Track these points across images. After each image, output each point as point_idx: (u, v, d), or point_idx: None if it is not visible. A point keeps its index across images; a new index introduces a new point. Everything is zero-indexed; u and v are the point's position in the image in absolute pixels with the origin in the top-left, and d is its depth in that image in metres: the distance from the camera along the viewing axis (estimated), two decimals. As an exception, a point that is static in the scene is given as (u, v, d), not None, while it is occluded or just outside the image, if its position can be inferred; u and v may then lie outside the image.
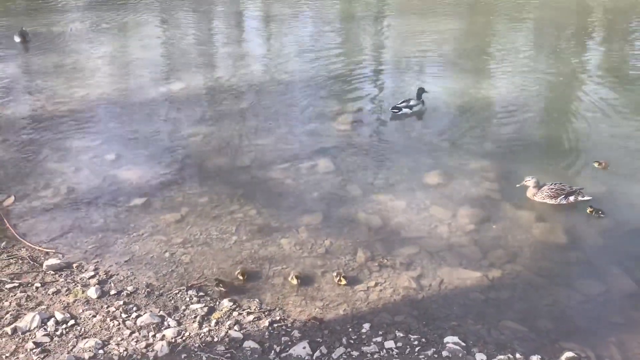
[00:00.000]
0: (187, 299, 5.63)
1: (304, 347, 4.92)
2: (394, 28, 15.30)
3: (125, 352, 4.90)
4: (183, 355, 4.86)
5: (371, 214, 7.06)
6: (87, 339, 5.03)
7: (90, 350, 4.89)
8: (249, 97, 10.73)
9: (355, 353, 4.88)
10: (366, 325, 5.25)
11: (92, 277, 5.95)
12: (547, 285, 5.82)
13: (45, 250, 6.43)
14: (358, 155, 8.50)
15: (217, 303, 5.58)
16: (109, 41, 14.17)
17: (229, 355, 4.86)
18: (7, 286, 5.77)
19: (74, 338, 5.07)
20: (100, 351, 4.90)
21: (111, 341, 5.03)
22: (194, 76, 11.76)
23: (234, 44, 14.47)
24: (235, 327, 5.20)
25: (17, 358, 4.83)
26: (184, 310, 5.47)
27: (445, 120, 9.65)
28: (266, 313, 5.43)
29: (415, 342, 5.01)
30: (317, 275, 5.99)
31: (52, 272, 6.03)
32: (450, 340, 5.03)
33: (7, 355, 4.86)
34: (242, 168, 8.22)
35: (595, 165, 7.81)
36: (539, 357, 4.88)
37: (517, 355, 4.89)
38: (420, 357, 4.83)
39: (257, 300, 5.65)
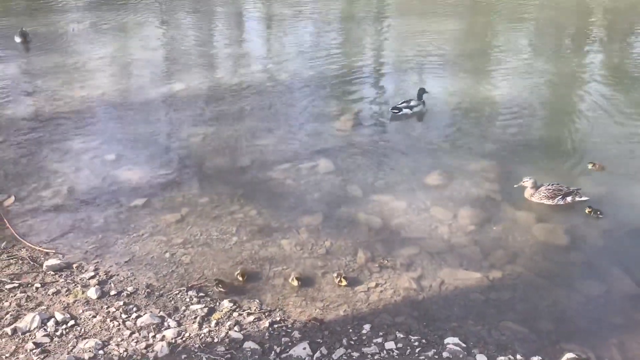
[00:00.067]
0: (187, 300, 5.63)
1: (304, 348, 4.91)
2: (395, 28, 15.30)
3: (125, 353, 4.89)
4: (183, 356, 4.85)
5: (372, 214, 7.05)
6: (87, 340, 5.02)
7: (90, 351, 4.88)
8: (249, 97, 10.73)
9: (355, 354, 4.88)
10: (366, 326, 5.24)
11: (92, 277, 5.95)
12: (547, 286, 5.81)
13: (45, 250, 6.43)
14: (358, 155, 8.49)
15: (217, 304, 5.58)
16: (110, 41, 14.17)
17: (229, 356, 4.85)
18: (7, 286, 5.77)
19: (74, 338, 5.06)
20: (100, 352, 4.89)
21: (111, 342, 5.02)
22: (195, 76, 11.76)
23: (235, 44, 14.46)
24: (236, 328, 5.20)
25: (17, 358, 4.82)
26: (184, 310, 5.47)
27: (445, 121, 9.65)
28: (266, 314, 5.43)
29: (416, 343, 5.01)
30: (317, 276, 5.98)
31: (52, 273, 6.02)
32: (451, 341, 5.02)
33: (7, 355, 4.85)
34: (243, 168, 8.22)
35: (590, 166, 7.81)
36: (540, 358, 4.87)
37: (518, 357, 4.88)
38: (421, 358, 4.82)
39: (258, 300, 5.64)
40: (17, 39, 13.70)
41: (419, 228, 6.77)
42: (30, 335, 5.10)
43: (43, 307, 5.48)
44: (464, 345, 4.98)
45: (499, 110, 10.06)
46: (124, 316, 5.35)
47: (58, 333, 5.12)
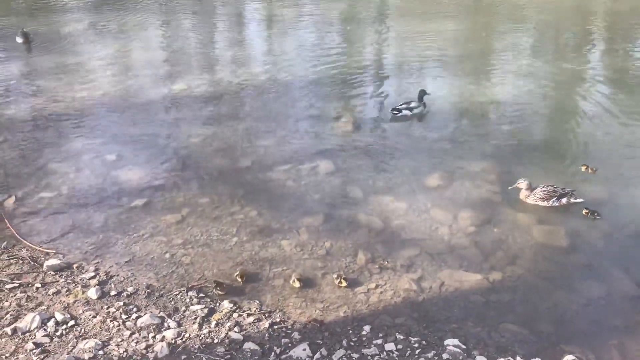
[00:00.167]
0: (187, 300, 5.63)
1: (304, 349, 4.91)
2: (395, 30, 15.31)
3: (125, 353, 4.89)
4: (183, 357, 4.85)
5: (372, 215, 7.05)
6: (87, 340, 5.02)
7: (90, 351, 4.88)
8: (249, 98, 10.74)
9: (355, 355, 4.88)
10: (366, 328, 5.24)
11: (93, 277, 5.95)
12: (547, 288, 5.81)
13: (45, 250, 6.43)
14: (359, 156, 8.50)
15: (217, 304, 5.58)
16: (111, 42, 14.18)
17: (228, 356, 4.85)
18: (8, 286, 5.77)
19: (74, 339, 5.07)
20: (100, 352, 4.89)
21: (111, 342, 5.02)
22: (195, 77, 11.78)
23: (235, 45, 14.47)
24: (235, 329, 5.20)
25: (17, 358, 4.83)
26: (184, 311, 5.47)
27: (446, 122, 9.65)
28: (266, 314, 5.43)
29: (416, 345, 5.00)
30: (317, 277, 5.98)
31: (53, 273, 6.03)
32: (451, 342, 5.02)
33: (7, 355, 4.85)
34: (243, 169, 8.22)
35: (583, 169, 7.81)
36: (540, 360, 4.87)
37: (518, 358, 4.88)
38: (421, 359, 4.82)
39: (258, 301, 5.64)
40: (19, 40, 13.72)
41: (419, 229, 6.77)
42: (30, 335, 5.10)
43: (43, 307, 5.48)
44: (463, 346, 4.98)
45: (500, 111, 10.06)
46: (124, 316, 5.35)
47: (58, 333, 5.12)
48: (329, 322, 5.34)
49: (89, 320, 5.31)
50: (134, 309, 5.47)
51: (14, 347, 4.95)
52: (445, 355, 4.85)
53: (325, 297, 5.71)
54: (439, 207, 7.17)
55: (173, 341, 5.04)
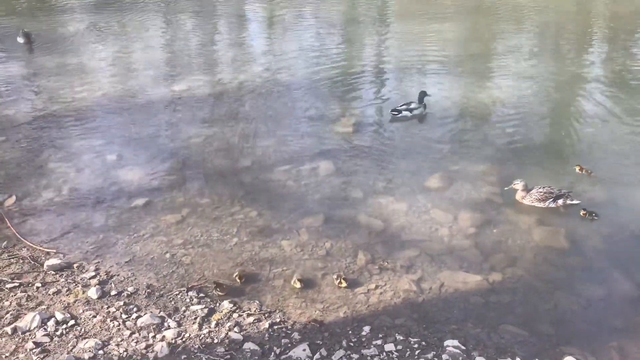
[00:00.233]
0: (188, 300, 5.63)
1: (304, 350, 4.92)
2: (396, 31, 15.32)
3: (125, 353, 4.90)
4: (183, 357, 4.86)
5: (372, 216, 7.06)
6: (87, 339, 5.03)
7: (90, 351, 4.89)
8: (250, 98, 10.74)
9: (355, 356, 4.88)
10: (366, 328, 5.24)
11: (93, 277, 5.96)
12: (547, 289, 5.82)
13: (46, 250, 6.44)
14: (359, 157, 8.51)
15: (217, 304, 5.59)
16: (112, 42, 14.20)
17: (228, 356, 4.86)
18: (8, 286, 5.78)
19: (74, 338, 5.07)
20: (100, 351, 4.90)
21: (111, 342, 5.03)
22: (196, 78, 11.78)
23: (237, 46, 14.48)
24: (235, 329, 5.20)
25: (17, 358, 4.83)
26: (184, 311, 5.47)
27: (447, 124, 9.65)
28: (266, 315, 5.43)
29: (415, 345, 5.01)
30: (317, 278, 5.99)
31: (53, 272, 6.03)
32: (450, 343, 5.03)
33: (7, 355, 4.86)
34: (244, 169, 8.23)
35: (577, 170, 7.82)
36: (539, 361, 4.87)
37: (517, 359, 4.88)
38: (420, 360, 4.83)
39: (258, 301, 5.65)
40: (20, 40, 13.73)
41: (419, 230, 6.78)
42: (30, 334, 5.11)
43: (43, 307, 5.49)
44: (463, 347, 4.98)
45: (500, 113, 10.07)
46: (124, 316, 5.36)
47: (58, 333, 5.13)
48: (328, 322, 5.34)
49: (89, 319, 5.31)
50: (134, 309, 5.48)
51: (14, 346, 4.96)
52: (444, 356, 4.85)
53: (325, 297, 5.71)
54: (439, 208, 7.18)
55: (173, 341, 5.04)
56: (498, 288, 5.83)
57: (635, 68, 12.20)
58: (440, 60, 12.63)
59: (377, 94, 11.16)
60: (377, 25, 16.09)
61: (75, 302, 5.56)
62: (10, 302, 5.54)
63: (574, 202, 7.07)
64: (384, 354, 4.90)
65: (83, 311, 5.43)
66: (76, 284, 5.84)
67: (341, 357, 4.86)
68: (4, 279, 5.89)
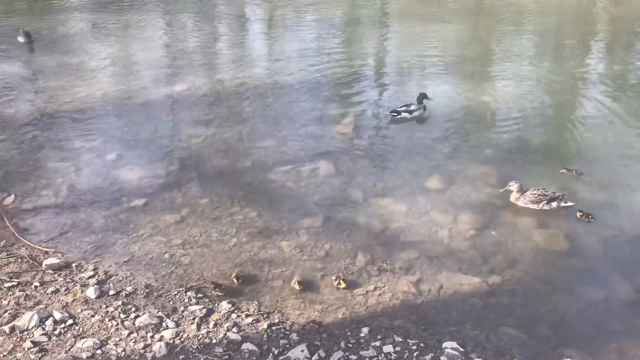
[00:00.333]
0: (186, 300, 5.63)
1: (302, 350, 4.91)
2: (397, 33, 15.32)
3: (123, 353, 4.89)
4: (181, 357, 4.85)
5: (371, 217, 7.05)
6: (85, 339, 5.02)
7: (88, 350, 4.88)
8: (251, 99, 10.74)
9: (353, 357, 4.87)
10: (365, 330, 5.24)
11: (91, 277, 5.95)
12: (546, 292, 5.81)
13: (44, 249, 6.43)
14: (359, 158, 8.50)
15: (216, 305, 5.58)
16: (113, 42, 14.19)
17: (227, 357, 4.85)
18: (6, 285, 5.77)
19: (72, 338, 5.06)
20: (99, 351, 4.89)
21: (109, 341, 5.02)
22: (197, 78, 11.78)
23: (237, 46, 14.48)
24: (234, 329, 5.20)
25: (15, 357, 4.82)
26: (183, 311, 5.46)
27: (446, 125, 9.65)
28: (265, 315, 5.43)
29: (414, 347, 5.00)
30: (316, 279, 5.98)
31: (51, 272, 6.03)
32: (449, 345, 5.02)
33: (5, 354, 4.85)
34: (243, 170, 8.22)
35: (564, 172, 7.82)
36: (538, 363, 4.87)
37: (516, 362, 4.88)
38: (419, 362, 4.82)
39: (256, 302, 5.64)
40: (21, 39, 13.73)
41: (419, 232, 6.77)
42: (28, 333, 5.10)
43: (42, 306, 5.48)
44: (462, 349, 4.98)
45: (500, 115, 10.06)
46: (122, 316, 5.35)
47: (56, 332, 5.12)
48: (327, 323, 5.34)
49: (88, 319, 5.30)
50: (133, 309, 5.47)
51: (11, 345, 4.95)
52: (443, 358, 4.84)
53: (324, 298, 5.71)
54: (438, 209, 7.17)
55: (171, 341, 5.03)
56: (497, 290, 5.83)
57: (636, 70, 12.21)
58: (441, 62, 12.63)
59: (378, 95, 11.17)
60: (377, 25, 16.10)
61: (73, 301, 5.55)
62: (9, 301, 5.53)
63: (568, 204, 7.08)
64: (383, 355, 4.89)
65: (81, 311, 5.42)
66: (75, 284, 5.83)
67: (340, 359, 4.85)
68: (2, 277, 5.88)
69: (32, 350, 4.89)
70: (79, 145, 8.96)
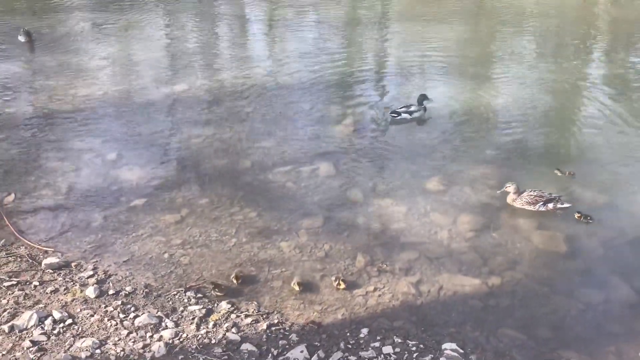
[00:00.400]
0: (185, 301, 5.62)
1: (302, 351, 4.90)
2: (398, 34, 15.32)
3: (122, 352, 4.89)
4: (180, 357, 4.85)
5: (371, 218, 7.05)
6: (84, 339, 5.02)
7: (87, 350, 4.87)
8: (251, 99, 10.74)
9: (353, 358, 4.87)
10: (364, 330, 5.23)
11: (91, 276, 5.95)
12: (546, 293, 5.81)
13: (44, 248, 6.43)
14: (359, 159, 8.50)
15: (215, 305, 5.57)
16: (113, 41, 14.20)
17: (226, 357, 4.84)
18: (5, 284, 5.77)
19: (71, 337, 5.06)
20: (97, 351, 4.88)
21: (108, 341, 5.02)
22: (197, 78, 11.78)
23: (238, 46, 14.48)
24: (233, 330, 5.19)
25: (14, 356, 4.82)
26: (182, 311, 5.46)
27: (447, 127, 9.65)
28: (264, 316, 5.42)
29: (413, 348, 5.00)
30: (316, 279, 5.98)
31: (51, 271, 6.02)
32: (449, 346, 5.01)
33: (4, 353, 4.84)
34: (243, 170, 8.22)
35: (557, 173, 7.83)
36: (538, 365, 4.86)
37: (516, 363, 4.88)
38: (418, 363, 4.81)
39: (256, 303, 5.64)
40: (21, 39, 13.74)
41: (419, 233, 6.77)
42: (27, 333, 5.09)
43: (41, 305, 5.47)
44: (461, 351, 4.97)
45: (501, 116, 10.06)
46: (121, 316, 5.35)
47: (55, 331, 5.11)
48: (326, 324, 5.33)
49: (87, 319, 5.30)
50: (132, 309, 5.46)
51: (10, 344, 4.94)
52: (442, 359, 4.84)
53: (323, 299, 5.70)
54: (438, 211, 7.17)
55: (170, 341, 5.03)
56: (497, 291, 5.82)
57: (637, 71, 12.21)
58: (441, 63, 12.63)
59: (378, 96, 11.16)
60: (377, 26, 16.11)
61: (72, 301, 5.55)
62: (8, 300, 5.53)
63: (565, 205, 7.08)
64: (382, 356, 4.89)
65: (80, 310, 5.41)
66: (74, 283, 5.83)
67: (339, 359, 4.85)
68: (1, 277, 5.87)
69: (31, 349, 4.88)
70: (78, 144, 8.96)
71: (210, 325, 5.26)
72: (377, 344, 5.04)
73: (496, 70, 12.43)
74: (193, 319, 5.34)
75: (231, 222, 6.96)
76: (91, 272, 6.01)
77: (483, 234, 6.74)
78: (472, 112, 10.18)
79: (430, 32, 14.74)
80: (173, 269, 6.14)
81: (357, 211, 7.19)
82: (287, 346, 5.00)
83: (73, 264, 6.17)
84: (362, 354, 4.91)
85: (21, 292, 5.67)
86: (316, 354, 4.89)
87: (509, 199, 7.22)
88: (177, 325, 5.26)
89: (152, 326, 5.22)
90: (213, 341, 5.04)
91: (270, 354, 4.90)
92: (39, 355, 4.84)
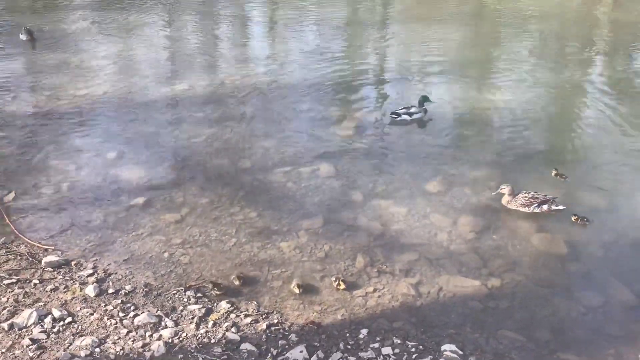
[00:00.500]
0: (185, 300, 5.62)
1: (301, 351, 4.90)
2: (398, 35, 15.34)
3: (121, 351, 4.89)
4: (179, 356, 4.85)
5: (371, 219, 7.05)
6: (83, 337, 5.01)
7: (86, 348, 4.87)
8: (251, 100, 10.75)
9: (352, 358, 4.87)
10: (364, 331, 5.23)
11: (91, 275, 5.95)
12: (546, 295, 5.81)
13: (44, 247, 6.43)
14: (360, 160, 8.50)
15: (215, 304, 5.57)
16: (114, 41, 14.20)
17: (225, 357, 4.84)
18: (5, 282, 5.76)
19: (71, 335, 5.06)
20: (97, 349, 4.88)
21: (108, 340, 5.02)
22: (198, 78, 11.79)
23: (238, 47, 14.50)
24: (233, 329, 5.19)
25: (13, 354, 4.82)
26: (182, 310, 5.46)
27: (447, 128, 9.66)
28: (264, 316, 5.42)
29: (413, 349, 5.00)
30: (316, 280, 5.98)
31: (51, 269, 6.02)
32: (448, 348, 5.01)
33: (3, 351, 4.84)
34: (244, 170, 8.22)
35: (553, 174, 7.83)
36: (537, 367, 4.86)
37: (515, 365, 4.88)
38: (418, 364, 4.81)
39: (255, 302, 5.64)
40: (23, 37, 13.75)
41: (419, 234, 6.77)
42: (26, 331, 5.09)
43: (40, 304, 5.47)
44: (461, 352, 4.97)
45: (501, 118, 10.07)
46: (121, 314, 5.35)
47: (55, 330, 5.11)
48: (326, 324, 5.33)
49: (86, 317, 5.30)
50: (132, 307, 5.46)
51: (10, 342, 4.94)
52: (442, 361, 4.84)
53: (323, 299, 5.70)
54: (438, 212, 7.17)
55: (170, 340, 5.03)
56: (496, 293, 5.82)
57: (638, 74, 12.22)
58: (442, 64, 12.64)
59: (379, 97, 11.18)
60: (379, 28, 16.12)
61: (72, 299, 5.55)
62: (8, 299, 5.53)
63: (559, 207, 7.09)
64: (381, 357, 4.89)
65: (80, 309, 5.41)
66: (74, 282, 5.83)
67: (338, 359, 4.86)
68: (1, 275, 5.87)
69: (30, 347, 4.88)
70: (79, 143, 8.97)
71: (210, 324, 5.26)
72: (376, 345, 5.04)
73: (497, 73, 12.44)
74: (193, 318, 5.34)
75: (231, 222, 6.97)
76: (91, 271, 6.01)
77: (483, 235, 6.75)
78: (473, 113, 10.20)
79: (432, 34, 14.76)
80: (173, 268, 6.14)
81: (357, 212, 7.20)
82: (286, 346, 5.00)
83: (73, 263, 6.17)
84: (362, 354, 4.91)
85: (21, 290, 5.67)
86: (315, 354, 4.89)
87: (504, 200, 7.23)
88: (176, 324, 5.26)
89: (151, 325, 5.22)
90: (212, 340, 5.04)
91: (269, 354, 4.90)
92: (38, 353, 4.83)
